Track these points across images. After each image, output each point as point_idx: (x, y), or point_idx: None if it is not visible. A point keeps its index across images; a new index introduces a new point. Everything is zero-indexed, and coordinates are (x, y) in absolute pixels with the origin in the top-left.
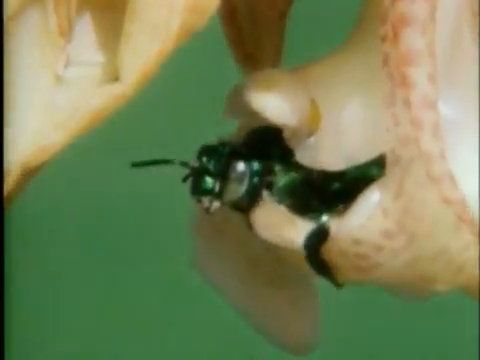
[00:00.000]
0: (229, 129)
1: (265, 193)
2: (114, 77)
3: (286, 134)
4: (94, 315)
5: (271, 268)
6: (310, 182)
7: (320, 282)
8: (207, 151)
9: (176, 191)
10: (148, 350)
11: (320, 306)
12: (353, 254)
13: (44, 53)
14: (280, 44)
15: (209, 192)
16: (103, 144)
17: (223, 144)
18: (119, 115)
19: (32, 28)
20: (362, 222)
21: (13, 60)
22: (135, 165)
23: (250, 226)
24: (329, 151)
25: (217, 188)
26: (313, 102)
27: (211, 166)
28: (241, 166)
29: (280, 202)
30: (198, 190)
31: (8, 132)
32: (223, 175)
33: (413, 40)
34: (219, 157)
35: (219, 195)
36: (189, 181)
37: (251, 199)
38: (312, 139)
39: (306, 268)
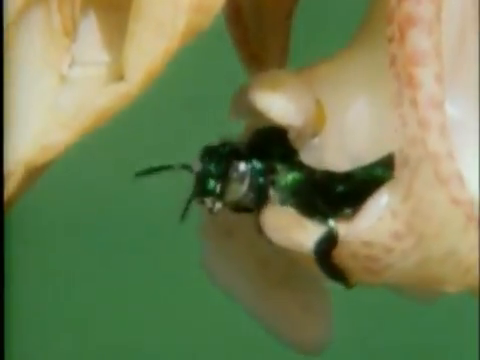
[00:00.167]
0: (235, 130)
1: (272, 192)
2: (119, 76)
3: (291, 135)
4: (94, 315)
5: (281, 270)
6: (313, 181)
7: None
8: (208, 152)
9: (180, 189)
10: (149, 347)
11: (332, 307)
12: (363, 256)
13: (48, 53)
14: (286, 44)
15: (211, 193)
16: (105, 142)
17: (224, 145)
18: (123, 114)
19: (36, 28)
20: (372, 224)
21: (18, 60)
22: (138, 174)
23: (259, 228)
24: (334, 151)
25: (218, 189)
26: (318, 102)
27: (212, 167)
28: (242, 166)
29: (283, 201)
30: (200, 191)
31: (13, 132)
32: (224, 176)
33: (420, 40)
34: (220, 158)
35: (221, 196)
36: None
37: (259, 199)
38: (317, 139)
39: (316, 270)
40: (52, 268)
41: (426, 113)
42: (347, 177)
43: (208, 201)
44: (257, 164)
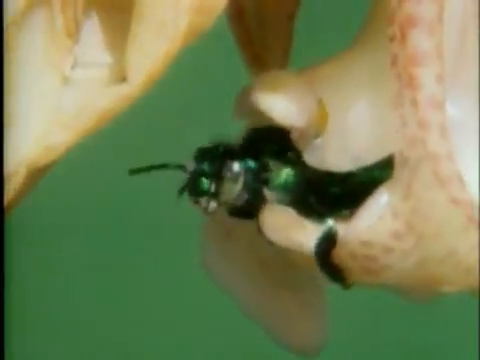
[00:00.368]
0: (236, 131)
1: (266, 191)
2: (121, 78)
3: (293, 135)
4: (95, 315)
5: (280, 270)
6: (307, 179)
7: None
8: (202, 153)
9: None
10: (150, 347)
11: (328, 308)
12: (362, 256)
13: (51, 54)
14: (288, 45)
15: (205, 193)
16: (106, 144)
17: (218, 145)
18: (124, 115)
19: (39, 29)
20: (371, 224)
21: (20, 61)
22: (133, 172)
23: (259, 229)
24: (336, 152)
25: (213, 188)
26: (320, 103)
27: (206, 167)
28: (235, 166)
29: (278, 200)
30: (195, 191)
31: (14, 133)
32: (218, 175)
33: (421, 41)
34: (213, 158)
35: (215, 195)
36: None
37: (254, 198)
38: (319, 140)
39: (315, 270)
40: (52, 268)
41: (426, 113)
42: (342, 175)
43: (203, 201)
44: (251, 163)
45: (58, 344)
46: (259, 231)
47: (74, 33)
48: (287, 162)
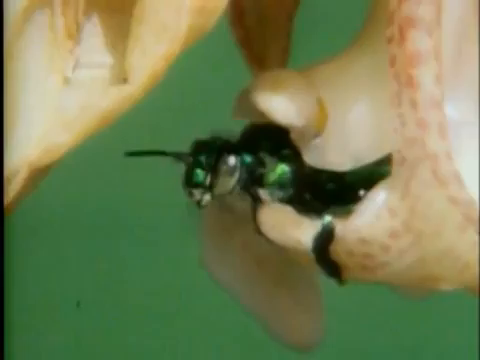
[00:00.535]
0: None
1: (261, 190)
2: (122, 79)
3: (293, 134)
4: (95, 314)
5: (277, 268)
6: (303, 176)
7: (325, 282)
8: (200, 145)
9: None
10: (150, 347)
11: (323, 305)
12: (360, 253)
13: (52, 55)
14: (287, 45)
15: (200, 185)
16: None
17: (216, 139)
18: (125, 116)
19: (40, 30)
20: (369, 221)
21: (21, 62)
22: (130, 154)
23: (257, 227)
24: (336, 151)
25: (208, 181)
26: (320, 102)
27: (202, 159)
28: (232, 160)
29: (272, 195)
30: (189, 183)
31: (16, 133)
32: (214, 168)
33: (419, 41)
34: (211, 150)
35: (210, 188)
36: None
37: (248, 193)
38: (319, 140)
39: (312, 267)
40: (52, 268)
41: (425, 113)
42: (339, 173)
43: (196, 193)
44: (247, 158)
45: (58, 343)
46: (257, 229)
47: (75, 34)
48: (282, 159)
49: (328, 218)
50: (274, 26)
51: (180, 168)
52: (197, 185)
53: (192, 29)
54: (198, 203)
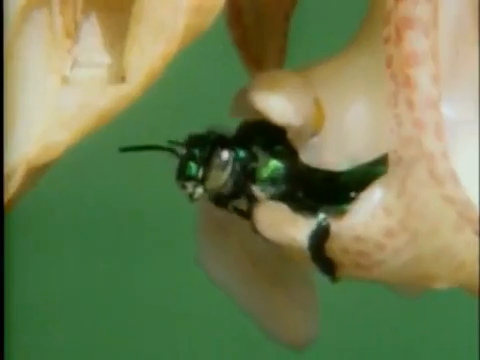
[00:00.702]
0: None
1: (253, 187)
2: (120, 78)
3: (290, 134)
4: (95, 314)
5: (272, 266)
6: (296, 173)
7: (320, 280)
8: (194, 138)
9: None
10: (150, 347)
11: (319, 303)
12: (355, 251)
13: (50, 54)
14: (284, 45)
15: (192, 178)
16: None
17: (210, 133)
18: (123, 115)
19: (39, 30)
20: (364, 220)
21: (20, 61)
22: (124, 150)
23: (252, 225)
24: (333, 151)
25: (200, 174)
26: (317, 102)
27: (196, 152)
28: (225, 154)
29: (265, 191)
30: (182, 176)
31: (15, 132)
32: (206, 161)
33: (416, 42)
34: (205, 144)
35: (202, 181)
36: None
37: (240, 187)
38: (316, 139)
39: (306, 266)
40: (52, 267)
41: (422, 113)
42: (334, 172)
43: (189, 186)
44: (241, 153)
45: (58, 344)
46: (252, 228)
47: (73, 33)
48: (275, 155)
49: (323, 215)
50: (271, 26)
51: (177, 164)
52: (190, 178)
53: (189, 28)
54: (190, 196)
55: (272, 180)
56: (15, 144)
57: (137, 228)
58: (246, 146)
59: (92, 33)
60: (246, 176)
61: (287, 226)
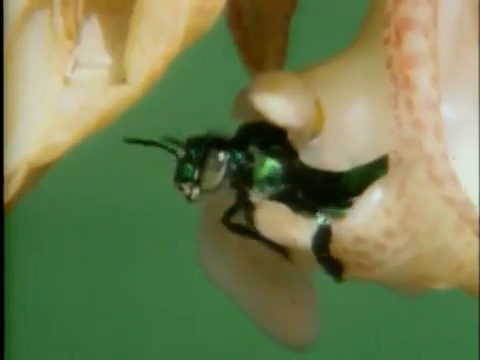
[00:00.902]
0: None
1: (251, 188)
2: (121, 79)
3: (290, 135)
4: (95, 314)
5: (272, 267)
6: (295, 173)
7: (320, 280)
8: (192, 140)
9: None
10: (150, 346)
11: (319, 303)
12: (355, 252)
13: (51, 55)
14: (284, 46)
15: (189, 179)
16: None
17: (208, 135)
18: (124, 116)
19: (40, 30)
20: (364, 220)
21: (21, 62)
22: (128, 141)
23: (251, 225)
24: (333, 152)
25: (196, 175)
26: (317, 103)
27: (192, 153)
28: (220, 155)
29: (262, 191)
30: (179, 177)
31: (16, 133)
32: (201, 163)
33: (416, 43)
34: (201, 145)
35: (198, 182)
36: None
37: (237, 188)
38: (316, 140)
39: (307, 266)
40: (52, 267)
41: (421, 114)
42: (334, 173)
43: (186, 187)
44: (237, 153)
45: (58, 343)
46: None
47: (74, 34)
48: (272, 154)
49: (323, 216)
50: (271, 26)
51: (175, 165)
52: (186, 179)
53: (190, 29)
54: (188, 197)
55: (269, 180)
56: (16, 145)
57: (137, 228)
58: (243, 147)
59: (93, 34)
60: (243, 177)
61: (287, 226)
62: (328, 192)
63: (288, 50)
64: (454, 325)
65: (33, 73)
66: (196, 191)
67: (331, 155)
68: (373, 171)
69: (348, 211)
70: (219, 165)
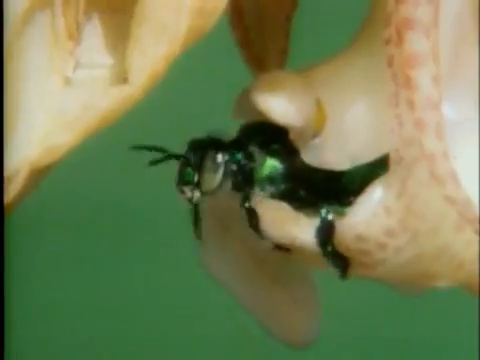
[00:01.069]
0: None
1: (252, 188)
2: (122, 79)
3: (292, 134)
4: (95, 314)
5: (274, 266)
6: (296, 171)
7: (321, 279)
8: (192, 144)
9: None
10: (150, 346)
11: (320, 302)
12: (357, 250)
13: (53, 56)
14: (286, 46)
15: (189, 182)
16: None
17: (208, 137)
18: (125, 116)
19: (41, 31)
20: (366, 219)
21: (22, 62)
22: (135, 148)
23: (251, 224)
24: (334, 151)
25: (196, 178)
26: (319, 103)
27: (192, 156)
28: (218, 156)
29: (264, 190)
30: (181, 181)
31: (17, 133)
32: (199, 165)
33: (417, 43)
34: (199, 149)
35: (198, 185)
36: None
37: (240, 188)
38: (317, 140)
39: (309, 265)
40: (53, 267)
41: (422, 114)
42: (335, 171)
43: (187, 190)
44: (237, 154)
45: (59, 343)
46: (253, 227)
47: (75, 35)
48: (272, 153)
49: (325, 210)
50: (273, 26)
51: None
52: (187, 183)
53: (192, 30)
54: (190, 200)
55: (270, 179)
56: (16, 146)
57: (138, 228)
58: (243, 147)
59: (94, 34)
60: (244, 177)
61: (289, 225)
62: (329, 191)
63: (289, 50)
64: (454, 323)
65: (34, 74)
66: (197, 194)
67: (332, 154)
68: (374, 170)
69: (349, 209)
70: (216, 167)
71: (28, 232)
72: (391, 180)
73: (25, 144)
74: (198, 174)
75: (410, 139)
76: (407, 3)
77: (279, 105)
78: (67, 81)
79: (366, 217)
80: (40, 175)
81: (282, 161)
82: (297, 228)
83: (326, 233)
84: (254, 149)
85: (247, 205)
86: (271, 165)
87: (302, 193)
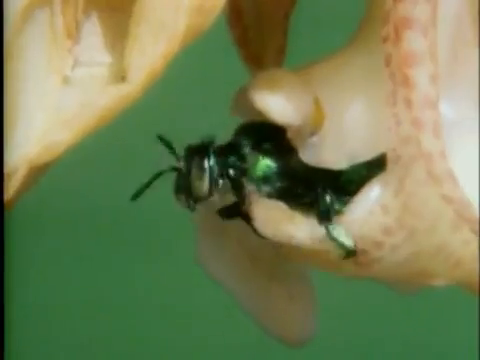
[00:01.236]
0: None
1: (249, 186)
2: (121, 77)
3: (290, 133)
4: (95, 314)
5: (270, 264)
6: (291, 170)
7: (317, 277)
8: (187, 151)
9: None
10: (150, 346)
11: (317, 300)
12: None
13: (51, 54)
14: (283, 44)
15: (183, 191)
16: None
17: (202, 143)
18: (124, 114)
19: (39, 29)
20: (362, 217)
21: (21, 61)
22: (135, 196)
23: (249, 223)
24: (332, 150)
25: (187, 186)
26: (317, 101)
27: (182, 165)
28: (204, 162)
29: (259, 190)
30: (176, 190)
31: (16, 132)
32: (188, 173)
33: (415, 42)
34: (190, 156)
35: (190, 193)
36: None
37: (235, 191)
38: (315, 138)
39: (304, 264)
40: (52, 266)
41: (420, 113)
42: (333, 170)
43: (182, 199)
44: (231, 158)
45: (59, 342)
46: (250, 226)
47: (74, 33)
48: (265, 153)
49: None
50: (271, 25)
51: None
52: (181, 191)
53: (190, 28)
54: (188, 208)
55: (265, 179)
56: (16, 144)
57: (137, 227)
58: (236, 149)
59: (93, 33)
60: (239, 178)
61: (285, 224)
62: (327, 189)
63: (287, 48)
64: (453, 323)
65: (33, 72)
66: (192, 201)
67: (330, 153)
68: (372, 169)
69: (346, 208)
70: (202, 173)
71: (28, 229)
72: (388, 179)
73: (24, 142)
74: (188, 182)
75: (407, 138)
76: (405, 2)
77: (277, 103)
78: (66, 79)
79: (363, 215)
80: (39, 172)
81: (276, 160)
82: (293, 227)
83: (329, 215)
84: (247, 150)
85: (243, 206)
86: (265, 165)
87: (299, 191)
